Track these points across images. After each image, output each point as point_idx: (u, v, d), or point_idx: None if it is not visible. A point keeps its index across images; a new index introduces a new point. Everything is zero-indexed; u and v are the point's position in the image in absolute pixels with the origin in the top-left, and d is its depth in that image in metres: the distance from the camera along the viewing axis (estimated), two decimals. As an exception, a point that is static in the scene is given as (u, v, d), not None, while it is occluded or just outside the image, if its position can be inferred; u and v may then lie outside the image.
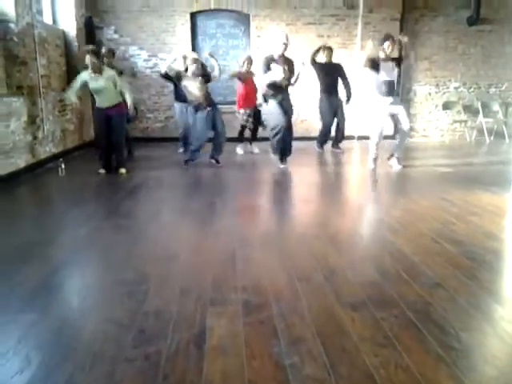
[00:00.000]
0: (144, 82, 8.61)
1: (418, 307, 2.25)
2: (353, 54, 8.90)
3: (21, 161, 5.65)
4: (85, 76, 5.51)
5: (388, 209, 4.22)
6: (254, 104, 7.20)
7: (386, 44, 5.63)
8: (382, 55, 5.71)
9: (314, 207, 4.40)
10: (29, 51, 6.00)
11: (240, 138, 7.56)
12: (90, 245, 3.30)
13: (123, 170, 5.83)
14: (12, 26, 5.60)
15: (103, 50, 6.46)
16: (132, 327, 2.08)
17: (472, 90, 9.48)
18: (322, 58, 7.32)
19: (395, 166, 6.04)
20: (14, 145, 5.45)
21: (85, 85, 5.56)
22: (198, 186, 5.37)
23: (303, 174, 5.93)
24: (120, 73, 6.30)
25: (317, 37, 8.76)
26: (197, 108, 6.04)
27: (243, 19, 8.76)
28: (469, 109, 9.43)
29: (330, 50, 7.34)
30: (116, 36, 8.55)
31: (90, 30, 8.22)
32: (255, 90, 7.14)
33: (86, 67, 5.58)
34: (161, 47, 8.58)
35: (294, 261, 2.89)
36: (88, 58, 5.40)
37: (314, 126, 8.25)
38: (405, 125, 5.81)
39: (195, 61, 6.06)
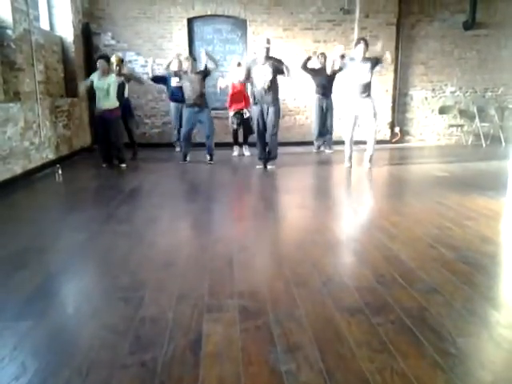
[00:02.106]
0: (141, 88, 8.61)
1: (415, 313, 2.26)
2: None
3: (17, 167, 5.64)
4: (93, 76, 6.50)
5: (384, 213, 4.22)
6: (242, 105, 7.41)
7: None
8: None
9: (309, 212, 4.39)
10: (26, 57, 6.00)
11: (234, 141, 7.89)
12: (86, 251, 3.30)
13: (124, 166, 6.72)
14: (9, 32, 5.63)
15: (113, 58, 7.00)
16: (128, 333, 2.08)
17: (468, 94, 9.52)
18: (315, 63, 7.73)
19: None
20: (10, 151, 5.45)
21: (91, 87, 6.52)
22: (193, 191, 5.37)
23: (294, 178, 5.96)
24: (128, 80, 7.17)
25: (313, 42, 8.81)
26: (188, 106, 6.77)
27: (240, 24, 8.80)
28: (465, 113, 9.48)
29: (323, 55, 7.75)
30: (113, 42, 8.57)
31: (87, 36, 8.27)
32: (243, 91, 7.39)
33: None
34: (158, 53, 8.59)
35: (291, 266, 2.89)
36: (99, 62, 6.37)
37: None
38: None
39: (187, 59, 6.71)
